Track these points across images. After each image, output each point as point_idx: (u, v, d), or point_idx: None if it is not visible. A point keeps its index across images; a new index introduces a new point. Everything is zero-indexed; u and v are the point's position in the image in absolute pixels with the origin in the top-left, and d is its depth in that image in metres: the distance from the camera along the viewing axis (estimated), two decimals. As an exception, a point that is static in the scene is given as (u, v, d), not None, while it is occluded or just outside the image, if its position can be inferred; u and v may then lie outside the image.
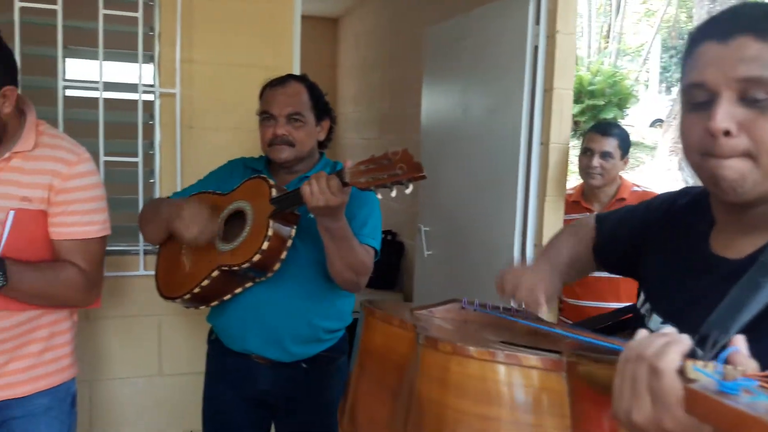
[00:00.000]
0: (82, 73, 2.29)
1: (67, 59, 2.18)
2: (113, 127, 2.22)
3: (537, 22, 2.43)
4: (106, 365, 2.28)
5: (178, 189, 2.12)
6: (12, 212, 1.45)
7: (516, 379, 0.77)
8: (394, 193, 1.35)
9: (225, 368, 1.84)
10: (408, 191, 1.33)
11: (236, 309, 1.73)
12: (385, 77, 4.73)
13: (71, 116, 2.14)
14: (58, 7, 2.05)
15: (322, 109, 1.80)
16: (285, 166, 1.76)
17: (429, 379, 0.81)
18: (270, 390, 1.80)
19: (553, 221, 2.45)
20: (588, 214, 2.44)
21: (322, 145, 1.86)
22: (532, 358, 0.77)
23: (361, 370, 1.03)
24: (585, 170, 2.46)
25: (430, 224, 3.21)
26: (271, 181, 1.62)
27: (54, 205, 1.50)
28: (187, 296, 1.66)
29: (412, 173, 1.31)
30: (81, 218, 1.53)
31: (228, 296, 1.68)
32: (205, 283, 1.62)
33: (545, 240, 2.44)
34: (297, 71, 2.36)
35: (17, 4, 2.01)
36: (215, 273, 1.61)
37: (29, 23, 2.06)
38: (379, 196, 1.41)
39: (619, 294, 2.34)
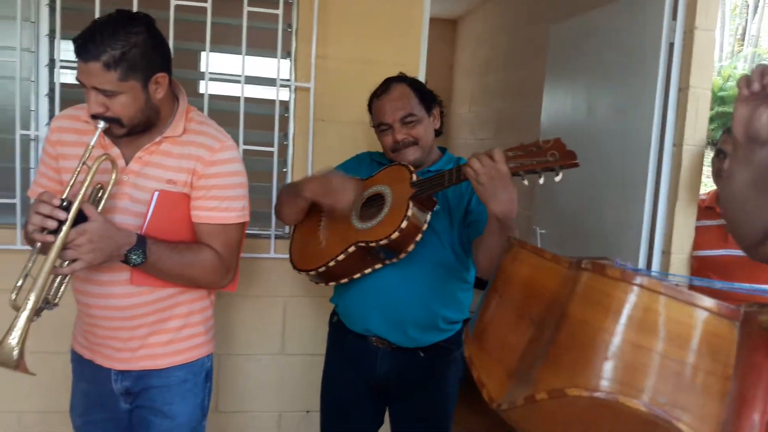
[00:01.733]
0: (224, 66, 2.45)
1: (211, 54, 2.34)
2: (252, 119, 2.36)
3: (674, 17, 2.33)
4: (234, 340, 2.43)
5: (308, 178, 2.22)
6: (156, 193, 1.52)
7: (684, 318, 0.77)
8: (542, 180, 1.38)
9: (345, 350, 1.91)
10: (557, 179, 1.36)
11: (361, 289, 1.80)
12: (504, 77, 4.70)
13: (214, 107, 2.30)
14: (208, 5, 2.22)
15: (429, 99, 1.84)
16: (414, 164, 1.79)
17: (587, 303, 0.81)
18: (387, 374, 1.85)
19: (684, 228, 2.34)
20: (722, 221, 2.31)
21: (436, 132, 1.89)
22: (708, 301, 0.77)
23: (499, 298, 1.06)
24: (718, 174, 2.33)
25: (546, 227, 3.16)
26: (412, 167, 1.70)
27: (196, 189, 1.55)
28: (322, 269, 1.74)
29: (565, 161, 1.35)
30: (220, 203, 1.56)
31: (357, 275, 1.75)
32: (341, 257, 1.69)
33: (675, 247, 2.34)
34: (422, 70, 2.41)
35: (173, 2, 2.19)
36: (351, 249, 1.68)
37: (181, 20, 2.23)
38: (525, 182, 1.42)
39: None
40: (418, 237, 1.63)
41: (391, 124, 1.77)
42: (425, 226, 1.64)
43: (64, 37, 2.20)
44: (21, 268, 1.42)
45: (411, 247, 1.64)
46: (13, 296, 1.38)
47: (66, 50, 2.20)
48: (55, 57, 2.25)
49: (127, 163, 1.53)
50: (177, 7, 2.21)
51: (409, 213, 1.60)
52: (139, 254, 1.45)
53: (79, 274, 1.52)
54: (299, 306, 2.44)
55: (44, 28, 2.20)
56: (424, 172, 1.79)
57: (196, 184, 1.55)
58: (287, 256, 1.93)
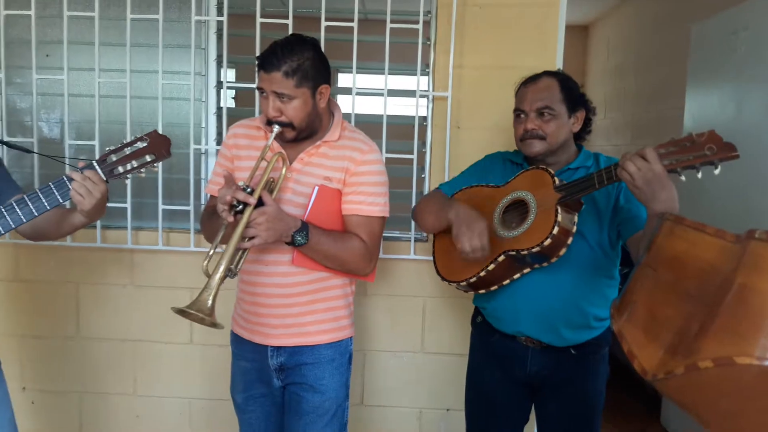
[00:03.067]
0: (363, 83, 2.62)
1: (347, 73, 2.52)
2: (393, 129, 2.50)
3: (835, 7, 2.19)
4: (377, 338, 2.57)
5: (445, 184, 2.32)
6: (316, 188, 1.79)
7: None
8: (699, 175, 1.38)
9: (492, 349, 1.96)
10: (716, 172, 1.35)
11: (510, 293, 1.84)
12: (640, 81, 4.55)
13: (359, 120, 2.47)
14: (354, 24, 2.40)
15: (576, 100, 1.84)
16: (537, 159, 1.83)
17: (759, 272, 0.82)
18: (537, 372, 1.88)
19: None
20: None
21: (579, 137, 1.90)
22: None
23: (652, 272, 1.07)
24: None
25: (691, 231, 3.03)
26: (551, 171, 1.72)
27: (347, 185, 1.80)
28: (473, 279, 1.80)
29: (724, 153, 1.33)
30: (366, 198, 1.80)
31: (507, 281, 1.80)
32: (491, 267, 1.75)
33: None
34: (558, 75, 2.44)
35: (323, 24, 2.39)
36: (501, 258, 1.73)
37: (331, 40, 2.43)
38: (683, 178, 1.42)
39: None
40: (569, 241, 1.65)
41: (527, 112, 1.81)
42: (575, 229, 1.66)
43: (229, 61, 2.47)
44: (195, 267, 1.67)
45: (563, 251, 1.67)
46: (205, 263, 1.67)
47: (230, 72, 2.48)
48: (222, 79, 2.52)
49: (291, 164, 1.81)
50: (328, 28, 2.40)
51: (559, 218, 1.62)
52: (303, 236, 1.71)
53: (249, 257, 1.78)
54: (438, 306, 2.54)
55: (212, 54, 2.48)
56: (563, 171, 1.82)
57: (348, 181, 1.80)
58: (427, 257, 2.04)
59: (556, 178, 1.69)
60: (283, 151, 1.79)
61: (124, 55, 2.41)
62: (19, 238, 1.92)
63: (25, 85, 2.51)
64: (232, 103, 2.62)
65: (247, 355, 1.91)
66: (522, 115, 1.84)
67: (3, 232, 1.58)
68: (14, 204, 1.58)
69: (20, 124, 2.52)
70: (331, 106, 1.88)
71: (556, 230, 1.62)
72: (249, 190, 1.66)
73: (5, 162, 2.41)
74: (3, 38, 2.44)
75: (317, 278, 1.84)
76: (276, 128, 1.73)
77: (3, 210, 1.57)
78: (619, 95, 4.94)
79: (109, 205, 2.44)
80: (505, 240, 1.73)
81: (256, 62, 1.73)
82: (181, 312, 1.60)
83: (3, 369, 1.89)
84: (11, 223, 1.58)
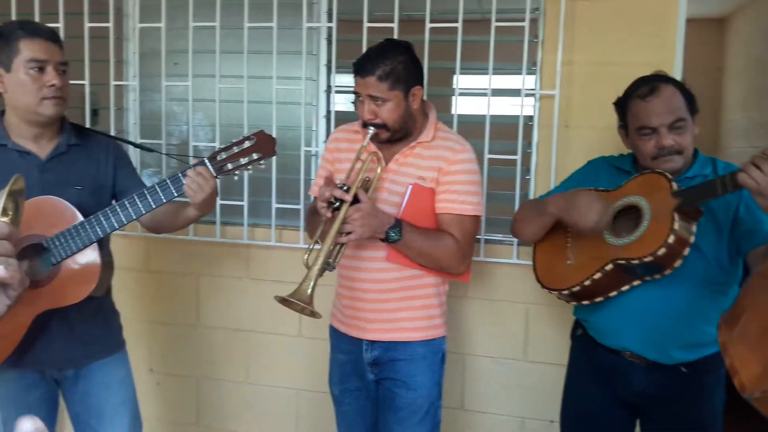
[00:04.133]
0: (471, 83, 2.61)
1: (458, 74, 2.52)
2: (496, 129, 2.46)
3: None
4: (477, 342, 2.54)
5: (551, 187, 2.24)
6: (410, 186, 1.84)
7: None
8: None
9: (593, 364, 1.86)
10: None
11: (617, 306, 1.73)
12: (784, 77, 4.15)
13: (462, 120, 2.45)
14: (458, 25, 2.39)
15: (693, 102, 1.71)
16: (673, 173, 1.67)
17: None
18: (643, 391, 1.76)
19: None
20: None
21: None
22: None
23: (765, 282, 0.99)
24: None
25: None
26: (669, 175, 1.60)
27: (440, 184, 1.84)
28: (576, 288, 1.72)
29: None
30: (458, 197, 1.84)
31: (613, 293, 1.70)
32: (597, 276, 1.66)
33: None
34: (678, 71, 2.28)
35: (428, 26, 2.40)
36: (609, 267, 1.63)
37: (434, 42, 2.44)
38: None
39: None
40: (686, 251, 1.53)
41: (658, 129, 1.66)
42: (692, 239, 1.53)
43: (338, 66, 2.56)
44: (303, 263, 1.79)
45: (678, 263, 1.54)
46: (305, 257, 1.81)
47: (339, 76, 2.57)
48: (331, 84, 2.61)
49: (387, 164, 1.88)
50: (431, 29, 2.42)
51: (676, 226, 1.51)
52: (397, 232, 1.77)
53: (347, 252, 1.87)
54: (542, 314, 2.46)
55: (323, 59, 2.58)
56: (680, 180, 1.68)
57: (441, 180, 1.84)
58: (529, 263, 1.98)
59: (673, 183, 1.57)
60: (378, 152, 1.86)
61: (242, 61, 2.57)
62: (150, 233, 2.12)
63: (156, 91, 2.74)
64: (346, 107, 2.71)
65: (344, 348, 2.00)
66: (648, 132, 1.68)
67: (126, 221, 1.74)
68: (136, 197, 1.73)
69: (153, 127, 2.75)
70: (425, 108, 1.93)
71: (671, 239, 1.50)
72: (345, 188, 1.75)
73: (139, 162, 2.65)
74: (138, 49, 2.69)
75: (411, 275, 1.88)
76: (371, 130, 1.80)
77: (126, 203, 1.73)
78: (759, 92, 4.54)
79: (228, 202, 2.64)
80: (614, 248, 1.63)
81: (353, 70, 1.81)
82: (283, 300, 1.71)
83: (132, 351, 2.09)
84: (133, 214, 1.74)
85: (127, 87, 2.74)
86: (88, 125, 2.55)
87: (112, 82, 2.67)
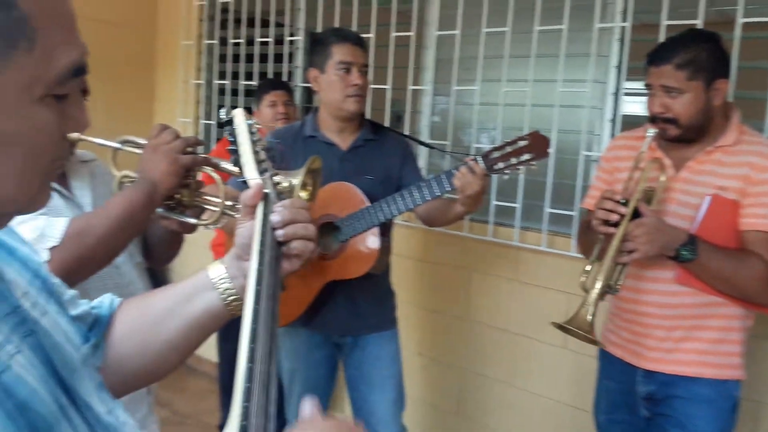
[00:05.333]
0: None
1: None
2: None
3: None
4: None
5: None
6: (708, 198, 1.61)
7: None
8: None
9: None
10: None
11: None
12: None
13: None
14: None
15: None
16: None
17: None
18: None
19: None
20: None
21: None
22: None
23: None
24: None
25: None
26: None
27: (747, 195, 1.59)
28: None
29: None
30: None
31: None
32: None
33: None
34: None
35: (739, 21, 2.14)
36: None
37: (747, 38, 2.15)
38: None
39: None
40: None
41: None
42: None
43: (629, 69, 2.43)
44: (572, 272, 1.73)
45: None
46: (582, 278, 1.69)
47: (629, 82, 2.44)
48: (620, 87, 2.49)
49: (677, 172, 1.69)
50: (744, 25, 2.15)
51: None
52: (691, 250, 1.56)
53: (630, 271, 1.71)
54: None
55: (613, 61, 2.47)
56: None
57: (748, 191, 1.59)
58: None
59: None
60: (662, 158, 1.69)
61: (528, 65, 2.60)
62: (425, 226, 2.30)
63: (447, 95, 2.93)
64: (637, 111, 2.57)
65: (615, 376, 1.85)
66: None
67: (404, 210, 1.92)
68: (413, 189, 1.89)
69: (442, 129, 2.95)
70: (727, 109, 1.70)
71: None
72: (624, 201, 1.61)
73: (426, 163, 2.87)
74: (435, 55, 2.90)
75: (706, 302, 1.65)
76: (650, 133, 1.64)
77: (404, 193, 1.90)
78: None
79: (501, 203, 2.70)
80: None
81: (646, 60, 1.68)
82: (560, 327, 1.66)
83: (403, 332, 2.27)
84: (410, 203, 1.90)
85: (423, 91, 2.98)
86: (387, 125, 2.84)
87: (410, 87, 2.93)
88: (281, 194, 0.95)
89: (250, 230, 0.85)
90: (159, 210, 1.26)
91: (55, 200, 1.29)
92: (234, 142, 0.97)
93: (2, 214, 0.58)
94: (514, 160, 1.81)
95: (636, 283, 1.73)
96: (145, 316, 0.88)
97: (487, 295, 2.85)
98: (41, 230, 1.13)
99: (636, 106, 2.77)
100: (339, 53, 1.96)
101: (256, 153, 0.95)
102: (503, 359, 2.82)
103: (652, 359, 1.71)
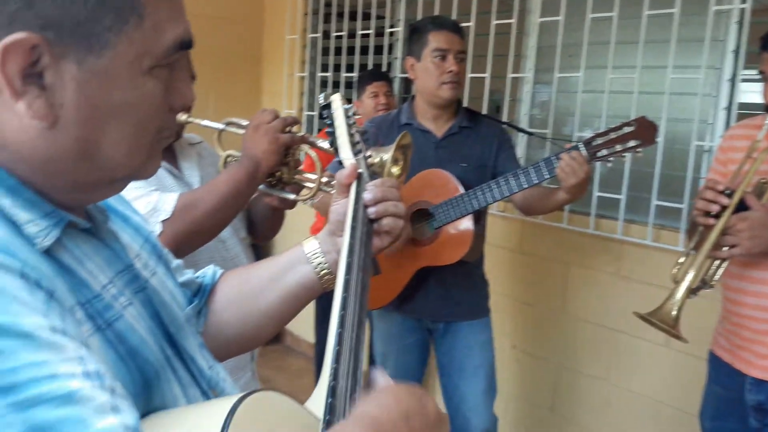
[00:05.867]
0: None
1: None
2: None
3: None
4: None
5: None
6: None
7: None
8: None
9: None
10: None
11: None
12: None
13: None
14: None
15: None
16: None
17: None
18: None
19: None
20: None
21: None
22: None
23: None
24: None
25: None
26: None
27: None
28: None
29: None
30: None
31: None
32: None
33: None
34: None
35: None
36: None
37: None
38: None
39: None
40: None
41: None
42: None
43: (748, 53, 2.27)
44: (671, 277, 1.62)
45: None
46: (674, 270, 1.61)
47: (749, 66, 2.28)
48: (737, 73, 2.33)
49: None
50: None
51: None
52: None
53: (732, 270, 1.61)
54: None
55: (731, 45, 2.32)
56: None
57: None
58: None
59: None
60: None
61: (636, 51, 2.49)
62: (523, 214, 2.26)
63: (549, 83, 2.86)
64: (756, 99, 2.40)
65: (723, 381, 1.75)
66: None
67: (499, 198, 1.90)
68: (509, 176, 1.87)
69: (542, 118, 2.89)
70: None
71: None
72: (729, 191, 1.51)
73: (525, 152, 2.83)
74: (536, 43, 2.84)
75: None
76: None
77: (500, 180, 1.89)
78: None
79: (605, 195, 2.61)
80: None
81: (760, 44, 1.57)
82: (643, 318, 1.60)
83: (497, 324, 2.25)
84: (506, 191, 1.88)
85: (523, 79, 2.93)
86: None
87: (510, 75, 2.89)
88: (374, 172, 0.97)
89: (344, 208, 0.89)
90: (261, 187, 1.34)
91: (167, 179, 1.40)
92: (331, 125, 1.02)
93: (115, 179, 0.63)
94: (618, 147, 1.75)
95: (739, 284, 1.61)
96: (245, 287, 0.94)
97: (585, 289, 2.76)
98: (154, 204, 1.24)
99: (754, 95, 2.59)
100: (435, 40, 1.96)
101: (351, 135, 0.99)
102: (601, 356, 2.73)
103: (762, 367, 1.59)
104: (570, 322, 2.82)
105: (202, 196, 1.28)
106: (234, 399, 0.55)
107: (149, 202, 1.24)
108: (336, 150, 0.99)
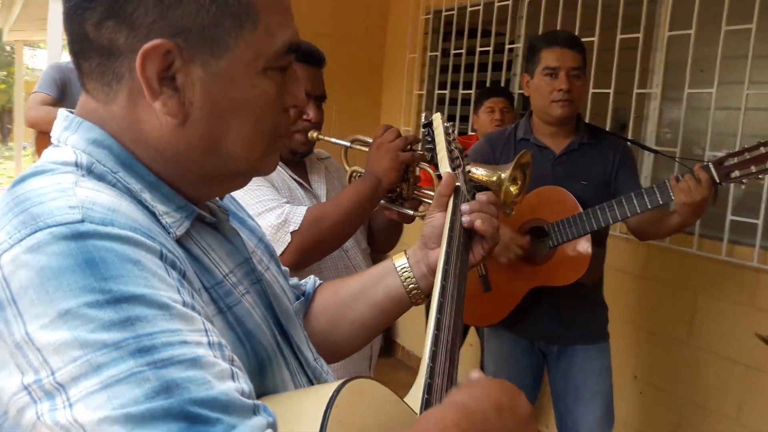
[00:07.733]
0: None
1: None
2: None
3: None
4: None
5: None
6: None
7: None
8: None
9: None
10: None
11: None
12: None
13: None
14: None
15: None
16: None
17: None
18: None
19: None
20: None
21: None
22: None
23: None
24: None
25: None
26: None
27: None
28: None
29: None
30: None
31: None
32: None
33: None
34: None
35: None
36: None
37: None
38: None
39: None
40: None
41: None
42: None
43: None
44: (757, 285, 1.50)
45: None
46: None
47: None
48: None
49: None
50: None
51: None
52: None
53: None
54: None
55: None
56: None
57: None
58: None
59: None
60: None
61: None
62: (641, 240, 2.16)
63: (677, 100, 2.71)
64: None
65: None
66: None
67: (612, 221, 1.83)
68: (623, 200, 1.80)
69: (670, 136, 2.74)
70: None
71: None
72: None
73: (650, 172, 2.70)
74: (664, 58, 2.71)
75: None
76: None
77: (614, 203, 1.81)
78: None
79: (738, 219, 2.44)
80: None
81: None
82: (764, 340, 1.50)
83: (618, 353, 2.16)
84: (618, 214, 1.81)
85: (649, 95, 2.80)
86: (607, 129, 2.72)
87: (635, 90, 2.77)
88: (488, 187, 0.98)
89: (438, 220, 0.93)
90: (382, 201, 1.41)
91: (298, 191, 1.52)
92: (431, 141, 1.06)
93: (238, 173, 0.70)
94: (753, 168, 1.63)
95: None
96: (337, 297, 0.99)
97: (714, 319, 2.57)
98: (285, 216, 1.34)
99: None
100: (545, 58, 1.93)
101: (450, 151, 1.03)
102: (729, 392, 2.52)
103: None
104: (696, 354, 2.64)
105: (328, 210, 1.38)
106: (336, 384, 0.59)
107: (281, 213, 1.36)
108: (436, 165, 1.02)
